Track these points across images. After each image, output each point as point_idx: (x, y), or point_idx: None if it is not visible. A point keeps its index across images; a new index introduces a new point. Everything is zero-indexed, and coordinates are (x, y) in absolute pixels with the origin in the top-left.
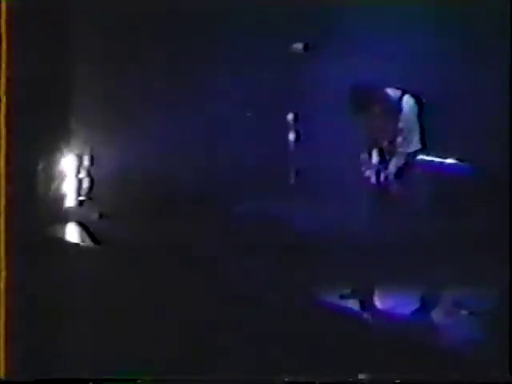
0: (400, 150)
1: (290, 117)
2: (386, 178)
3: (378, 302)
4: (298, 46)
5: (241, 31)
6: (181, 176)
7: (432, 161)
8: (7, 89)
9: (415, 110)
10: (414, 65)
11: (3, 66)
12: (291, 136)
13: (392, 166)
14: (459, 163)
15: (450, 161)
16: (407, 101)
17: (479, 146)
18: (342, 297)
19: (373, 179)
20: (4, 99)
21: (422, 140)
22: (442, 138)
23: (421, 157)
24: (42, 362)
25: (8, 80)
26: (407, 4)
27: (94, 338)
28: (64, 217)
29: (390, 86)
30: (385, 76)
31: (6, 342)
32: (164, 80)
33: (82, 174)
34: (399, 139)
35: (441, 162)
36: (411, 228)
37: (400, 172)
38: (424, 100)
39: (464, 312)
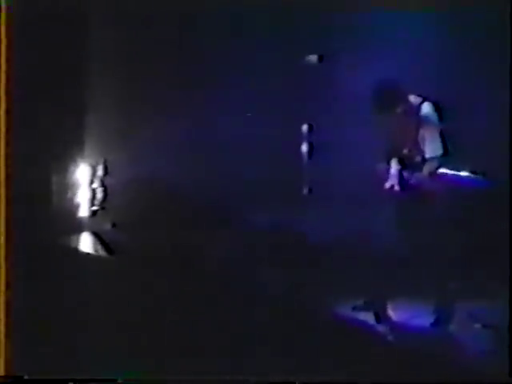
0: (417, 159)
1: (305, 128)
2: (400, 189)
3: (392, 314)
4: (313, 57)
5: (255, 43)
6: (194, 187)
7: (448, 173)
8: (21, 99)
9: (434, 117)
10: (429, 73)
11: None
12: (305, 147)
13: (407, 178)
14: (475, 176)
15: (465, 173)
16: (426, 108)
17: (496, 159)
18: (354, 309)
19: (387, 191)
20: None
21: (445, 147)
22: (459, 148)
23: (439, 169)
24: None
25: (22, 91)
26: (424, 12)
27: (104, 345)
28: (78, 226)
29: (406, 93)
30: (400, 85)
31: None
32: (178, 91)
33: (96, 184)
34: (416, 148)
35: (457, 175)
36: (425, 240)
37: (415, 184)
38: (443, 107)
39: (477, 325)
